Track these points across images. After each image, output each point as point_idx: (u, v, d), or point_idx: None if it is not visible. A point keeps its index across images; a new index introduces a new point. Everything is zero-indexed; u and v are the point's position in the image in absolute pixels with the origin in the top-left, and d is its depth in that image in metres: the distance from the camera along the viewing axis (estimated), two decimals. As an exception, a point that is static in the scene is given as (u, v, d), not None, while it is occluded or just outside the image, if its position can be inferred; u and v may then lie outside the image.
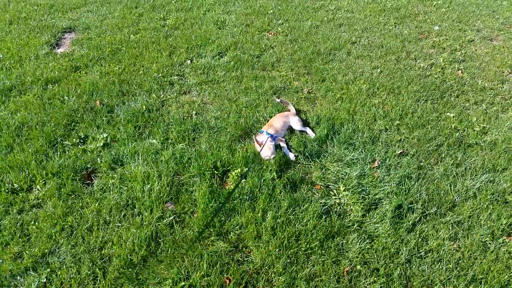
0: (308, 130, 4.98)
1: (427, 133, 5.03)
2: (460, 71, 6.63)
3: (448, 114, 5.45)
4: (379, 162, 4.55)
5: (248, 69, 6.52)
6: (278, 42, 7.47)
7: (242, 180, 4.19)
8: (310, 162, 4.51)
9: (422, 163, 4.54)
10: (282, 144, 4.69)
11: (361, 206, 3.92)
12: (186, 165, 4.37)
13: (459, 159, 4.62)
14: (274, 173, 4.22)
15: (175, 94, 5.82)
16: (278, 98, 5.50)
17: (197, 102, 5.62)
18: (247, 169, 4.27)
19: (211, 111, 5.45)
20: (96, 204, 3.85)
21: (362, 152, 4.66)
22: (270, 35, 7.81)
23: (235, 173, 4.25)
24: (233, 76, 6.30)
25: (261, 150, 4.37)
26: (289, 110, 5.29)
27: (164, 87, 5.95)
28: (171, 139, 4.81)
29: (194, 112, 5.37)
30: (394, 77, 6.33)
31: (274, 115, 5.17)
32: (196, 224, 3.64)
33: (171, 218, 3.71)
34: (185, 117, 5.28)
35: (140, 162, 4.38)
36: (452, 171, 4.42)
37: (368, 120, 5.23)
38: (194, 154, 4.50)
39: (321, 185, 4.23)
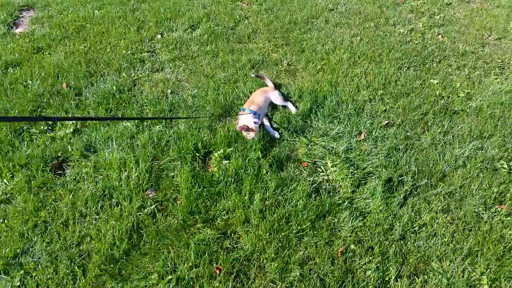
0: (290, 105, 4.77)
1: (411, 101, 4.91)
2: (440, 36, 6.50)
3: (431, 80, 5.34)
4: (365, 135, 4.42)
5: (223, 42, 6.18)
6: (253, 12, 7.10)
7: (226, 162, 3.98)
8: (295, 138, 4.33)
9: (409, 133, 4.44)
10: (266, 123, 4.47)
11: (351, 182, 3.80)
12: (165, 149, 4.11)
13: (445, 127, 4.54)
14: (259, 153, 4.02)
15: (147, 72, 5.45)
16: (254, 74, 5.19)
17: (172, 80, 5.29)
18: (230, 149, 4.04)
19: (187, 89, 5.14)
20: (70, 196, 3.57)
21: (348, 125, 4.51)
22: (244, 5, 7.42)
23: (218, 155, 4.03)
24: (208, 50, 5.96)
25: (244, 131, 4.16)
26: (267, 86, 5.02)
27: (134, 65, 5.56)
28: (147, 121, 4.49)
29: (169, 91, 5.05)
30: (374, 44, 6.14)
31: (254, 90, 4.91)
32: (180, 212, 3.43)
33: (152, 206, 3.49)
34: (160, 97, 4.96)
35: (115, 147, 4.08)
36: (440, 140, 4.34)
37: (351, 91, 5.06)
38: (173, 136, 4.22)
39: (308, 162, 4.07)
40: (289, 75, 5.44)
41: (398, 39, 6.32)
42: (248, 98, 4.77)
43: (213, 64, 5.64)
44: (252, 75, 5.14)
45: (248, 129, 4.13)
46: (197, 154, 4.02)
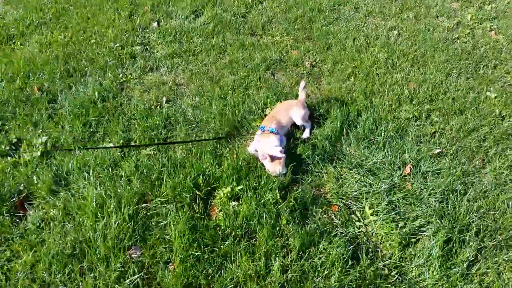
0: (307, 127, 3.91)
1: (466, 122, 4.00)
2: (493, 32, 5.52)
3: (488, 93, 4.42)
4: (412, 167, 3.54)
5: (232, 33, 5.25)
6: (267, -5, 6.10)
7: (234, 204, 3.15)
8: (322, 169, 3.47)
9: (465, 167, 3.56)
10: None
11: (397, 239, 2.96)
12: (156, 183, 3.27)
13: (511, 160, 3.65)
14: (277, 192, 3.17)
15: (139, 72, 4.56)
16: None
17: (168, 83, 4.41)
18: (239, 187, 3.21)
19: (187, 96, 4.27)
20: (31, 255, 2.75)
21: (388, 153, 3.62)
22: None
23: (224, 194, 3.19)
24: (214, 44, 5.04)
25: (267, 161, 3.29)
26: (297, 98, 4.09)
27: (123, 62, 4.67)
28: (135, 141, 3.65)
29: (164, 99, 4.18)
30: (416, 41, 5.19)
31: (273, 101, 4.02)
32: (173, 285, 2.62)
33: (136, 276, 2.66)
34: (153, 107, 4.09)
35: (92, 180, 3.25)
36: (505, 178, 3.46)
37: (391, 105, 4.15)
38: (167, 165, 3.37)
39: (339, 206, 3.22)
40: (313, 80, 4.54)
41: (444, 35, 5.36)
42: (266, 112, 3.90)
43: (219, 63, 4.73)
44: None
45: (272, 158, 3.27)
46: (198, 192, 3.18)
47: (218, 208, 3.15)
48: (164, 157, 3.49)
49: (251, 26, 5.43)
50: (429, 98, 4.30)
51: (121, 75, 4.46)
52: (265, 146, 3.35)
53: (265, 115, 3.92)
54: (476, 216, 3.15)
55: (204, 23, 5.45)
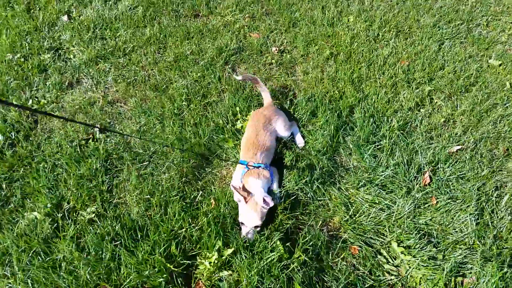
0: (297, 135, 3.18)
1: (476, 102, 3.49)
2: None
3: (490, 61, 3.91)
4: (431, 175, 2.97)
5: (170, 18, 4.27)
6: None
7: (225, 274, 2.40)
8: (324, 195, 2.80)
9: (491, 162, 3.06)
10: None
11: (441, 283, 2.40)
12: (112, 266, 2.42)
13: (539, 144, 3.20)
14: (280, 246, 2.46)
15: (54, 91, 3.52)
16: (239, 76, 3.37)
17: (98, 102, 3.44)
18: (230, 250, 2.46)
19: (127, 117, 3.34)
20: None
21: (399, 159, 3.02)
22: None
23: (211, 263, 2.42)
24: (149, 36, 4.05)
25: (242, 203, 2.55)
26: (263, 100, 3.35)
27: (30, 81, 3.58)
28: (68, 202, 2.73)
29: (96, 129, 3.20)
30: (393, 3, 4.50)
31: (249, 116, 3.23)
32: None
33: None
34: (83, 142, 3.12)
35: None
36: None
37: (386, 93, 3.51)
38: (122, 233, 2.52)
39: (359, 246, 2.58)
40: (285, 71, 3.76)
41: (423, -8, 4.72)
42: (237, 126, 3.12)
43: (161, 63, 3.78)
44: (238, 78, 3.35)
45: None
46: (173, 269, 2.39)
47: (205, 285, 2.38)
48: (115, 219, 2.61)
49: (193, 4, 4.46)
50: (427, 77, 3.71)
51: (30, 101, 3.39)
52: (256, 194, 2.57)
53: (237, 130, 3.13)
54: (524, 231, 2.66)
55: (130, 8, 4.40)
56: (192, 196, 2.76)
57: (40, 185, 2.80)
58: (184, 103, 3.40)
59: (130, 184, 2.84)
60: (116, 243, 2.49)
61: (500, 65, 3.86)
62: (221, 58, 3.82)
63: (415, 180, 2.94)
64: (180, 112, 3.34)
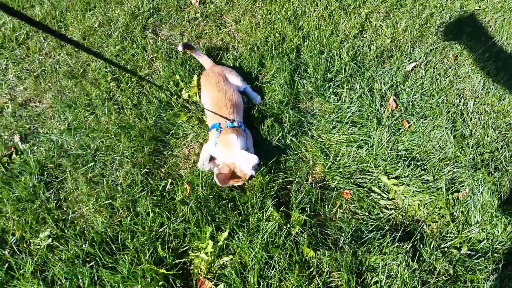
0: (249, 91, 2.96)
1: (412, 15, 3.53)
2: None
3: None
4: (395, 98, 2.99)
5: (60, -10, 3.65)
6: None
7: (227, 260, 2.23)
8: (300, 147, 2.69)
9: (444, 73, 3.16)
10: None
11: (440, 203, 2.46)
12: (93, 290, 2.11)
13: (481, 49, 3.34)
14: (275, 213, 2.32)
15: None
16: (180, 46, 2.97)
17: (8, 108, 2.89)
18: (224, 234, 2.27)
19: (49, 117, 2.87)
20: None
21: (360, 91, 2.98)
22: None
23: (208, 254, 2.23)
24: (42, 17, 3.44)
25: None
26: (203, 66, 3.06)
27: None
28: (12, 236, 2.31)
29: (16, 138, 2.71)
30: None
31: (194, 81, 2.92)
32: None
33: None
34: (5, 161, 2.63)
35: None
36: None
37: (327, 26, 3.41)
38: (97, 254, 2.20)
39: (351, 190, 2.53)
40: (214, 24, 3.45)
41: None
42: (184, 96, 2.82)
43: (68, 45, 3.24)
44: (179, 49, 2.97)
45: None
46: (167, 272, 2.14)
47: (210, 282, 2.18)
48: (78, 237, 2.25)
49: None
50: (360, 0, 3.63)
51: None
52: (239, 162, 2.37)
53: (185, 101, 2.84)
54: (497, 136, 2.80)
55: (5, -14, 3.68)
56: (161, 187, 2.46)
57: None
58: (112, 84, 2.97)
59: (81, 193, 2.45)
60: (91, 264, 2.16)
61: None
62: (137, 24, 3.37)
63: (381, 109, 2.92)
64: (112, 96, 2.93)
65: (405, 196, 2.51)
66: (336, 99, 2.93)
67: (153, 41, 3.26)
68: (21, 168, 2.53)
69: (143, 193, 2.40)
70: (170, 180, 2.48)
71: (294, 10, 3.50)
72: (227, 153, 2.38)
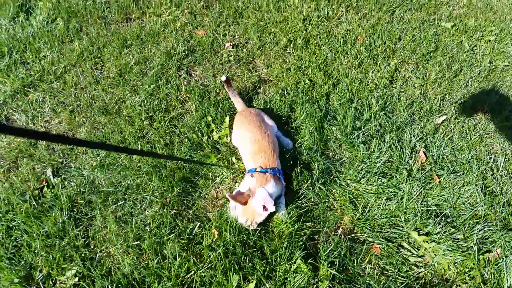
0: (283, 138, 2.97)
1: (441, 67, 3.53)
2: None
3: (443, 24, 4.00)
4: (424, 150, 2.95)
5: (98, 27, 3.83)
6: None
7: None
8: (328, 196, 2.65)
9: (474, 128, 3.14)
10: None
11: (470, 263, 2.37)
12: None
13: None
14: (305, 267, 2.26)
15: (-19, 137, 2.92)
16: (223, 77, 2.97)
17: (40, 142, 2.91)
18: (253, 284, 2.21)
19: (82, 152, 2.88)
20: None
21: (390, 141, 2.95)
22: None
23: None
24: (80, 52, 3.59)
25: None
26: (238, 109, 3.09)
27: None
28: (39, 273, 2.28)
29: (48, 172, 2.73)
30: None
31: (226, 123, 2.94)
32: None
33: None
34: (36, 194, 2.64)
35: None
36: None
37: (357, 74, 3.43)
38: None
39: (380, 244, 2.47)
40: (246, 67, 3.50)
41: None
42: (215, 137, 2.84)
43: (104, 79, 3.33)
44: (222, 79, 2.97)
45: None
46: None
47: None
48: (104, 277, 2.22)
49: (120, 7, 3.98)
50: (389, 51, 3.67)
51: (-50, 157, 2.79)
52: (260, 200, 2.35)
53: (217, 142, 2.86)
54: None
55: (47, 22, 3.81)
56: (189, 230, 2.43)
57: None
58: (145, 122, 3.01)
59: (109, 232, 2.43)
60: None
61: (452, 26, 3.94)
62: (172, 64, 3.44)
63: (411, 161, 2.88)
64: (144, 134, 2.95)
65: (435, 254, 2.43)
66: (365, 148, 2.91)
67: (187, 82, 3.31)
68: (51, 202, 2.54)
69: (171, 235, 2.38)
70: (198, 223, 2.45)
71: (324, 57, 3.54)
72: (254, 186, 2.36)
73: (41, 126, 3.02)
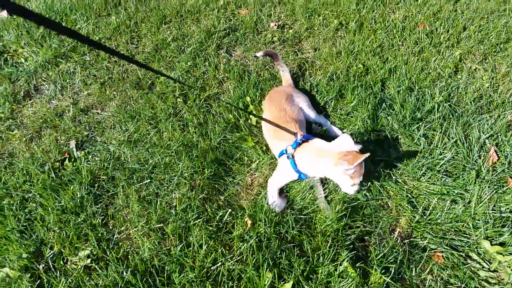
0: (333, 128, 2.59)
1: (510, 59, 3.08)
2: None
3: (516, 14, 3.51)
4: (496, 149, 2.51)
5: (137, 1, 3.55)
6: None
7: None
8: (382, 192, 2.26)
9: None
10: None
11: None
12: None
13: None
14: (352, 272, 1.89)
15: (7, 105, 2.80)
16: (258, 53, 2.82)
17: (68, 112, 2.72)
18: (290, 285, 1.86)
19: (109, 126, 2.66)
20: None
21: (456, 136, 2.53)
22: None
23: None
24: (116, 26, 3.34)
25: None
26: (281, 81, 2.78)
27: (-29, 94, 2.78)
28: (50, 250, 2.02)
29: (72, 144, 2.52)
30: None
31: (268, 95, 2.62)
32: None
33: None
34: (56, 167, 2.43)
35: None
36: None
37: (418, 61, 3.04)
38: None
39: (442, 253, 2.05)
40: (292, 49, 3.18)
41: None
42: (252, 122, 2.52)
43: (139, 54, 3.09)
44: (258, 55, 2.79)
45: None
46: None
47: None
48: (120, 262, 1.93)
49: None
50: (454, 39, 3.25)
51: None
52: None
53: (253, 126, 2.54)
54: None
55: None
56: (218, 217, 2.12)
57: (7, 229, 2.06)
58: (179, 99, 2.74)
59: (131, 212, 2.16)
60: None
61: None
62: (211, 42, 3.18)
63: (480, 160, 2.45)
64: (177, 112, 2.68)
65: (511, 270, 2.00)
66: (426, 142, 2.51)
67: (226, 61, 3.03)
68: (71, 176, 2.30)
69: (198, 220, 2.07)
70: (229, 210, 2.13)
71: (380, 42, 3.17)
72: (323, 160, 2.01)
73: (69, 97, 2.81)
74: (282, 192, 2.22)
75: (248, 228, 2.07)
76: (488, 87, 2.90)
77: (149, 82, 2.88)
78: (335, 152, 1.98)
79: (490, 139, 2.57)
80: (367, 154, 1.86)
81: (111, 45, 3.18)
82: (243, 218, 2.11)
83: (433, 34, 3.29)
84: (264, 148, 2.47)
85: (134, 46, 3.21)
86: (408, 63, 3.02)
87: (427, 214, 2.20)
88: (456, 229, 2.15)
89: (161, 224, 2.08)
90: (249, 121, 2.60)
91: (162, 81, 2.88)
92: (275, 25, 3.35)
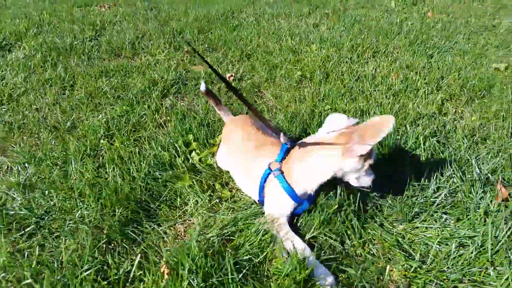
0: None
1: (504, 100, 2.73)
2: (429, 13, 4.71)
3: (495, 65, 3.30)
4: (505, 183, 1.98)
5: (79, 61, 3.26)
6: (124, 15, 4.36)
7: None
8: (361, 237, 1.62)
9: None
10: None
11: None
12: None
13: None
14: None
15: None
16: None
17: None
18: None
19: (4, 170, 2.03)
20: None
21: (455, 170, 2.00)
22: (103, 9, 4.65)
23: None
24: (49, 78, 2.99)
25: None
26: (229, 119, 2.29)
27: None
28: None
29: None
30: (355, 33, 3.96)
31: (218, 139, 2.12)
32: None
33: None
34: None
35: None
36: None
37: (393, 104, 2.65)
38: None
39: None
40: (250, 96, 2.78)
41: (382, 22, 4.29)
42: (202, 162, 1.97)
43: (67, 101, 2.65)
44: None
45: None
46: None
47: None
48: None
49: (111, 48, 3.53)
50: (433, 86, 2.94)
51: None
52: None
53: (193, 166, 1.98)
54: None
55: (24, 56, 3.34)
56: (121, 270, 1.42)
57: None
58: (102, 141, 2.21)
59: (-6, 267, 1.45)
60: None
61: (506, 68, 3.25)
62: (156, 89, 2.77)
63: (487, 196, 1.90)
64: (95, 154, 2.12)
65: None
66: (414, 177, 1.97)
67: (170, 106, 2.60)
68: None
69: (86, 274, 1.37)
70: (138, 259, 1.44)
71: (348, 88, 2.83)
72: (323, 155, 1.53)
73: None
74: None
75: (164, 278, 1.37)
76: (480, 125, 2.49)
77: (70, 125, 2.38)
78: (332, 138, 1.51)
79: (494, 174, 2.05)
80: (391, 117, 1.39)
81: (36, 94, 2.73)
82: (160, 266, 1.42)
83: (409, 81, 2.98)
84: (205, 187, 1.88)
85: (65, 96, 2.79)
86: (382, 105, 2.63)
87: (428, 262, 1.55)
88: (470, 278, 1.49)
89: (31, 280, 1.37)
90: (190, 161, 2.05)
91: (87, 124, 2.38)
92: (232, 76, 3.02)
